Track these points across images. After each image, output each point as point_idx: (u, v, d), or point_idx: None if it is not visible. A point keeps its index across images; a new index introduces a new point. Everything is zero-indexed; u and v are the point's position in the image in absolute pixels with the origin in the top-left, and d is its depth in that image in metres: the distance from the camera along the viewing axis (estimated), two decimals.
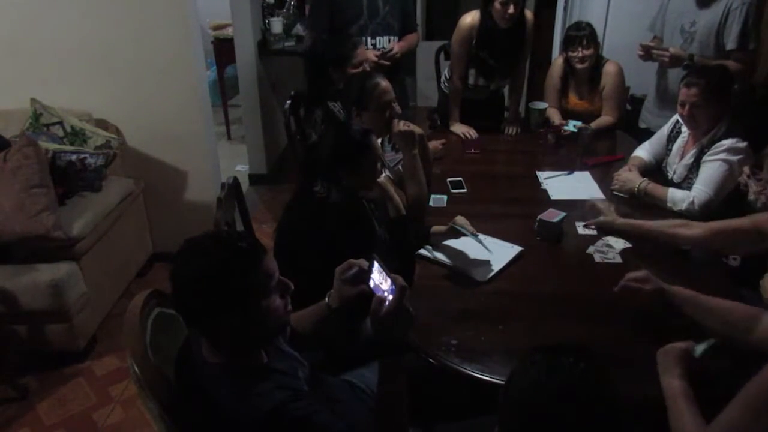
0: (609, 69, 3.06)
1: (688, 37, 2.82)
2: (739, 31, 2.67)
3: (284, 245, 1.95)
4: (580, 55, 2.99)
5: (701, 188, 2.27)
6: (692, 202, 2.26)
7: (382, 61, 3.01)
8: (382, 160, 1.98)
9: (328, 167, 1.91)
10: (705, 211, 2.25)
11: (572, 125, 2.97)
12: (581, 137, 2.89)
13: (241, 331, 1.23)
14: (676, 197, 2.30)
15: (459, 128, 3.13)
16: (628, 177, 2.45)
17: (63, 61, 2.90)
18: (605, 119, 3.08)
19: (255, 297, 1.22)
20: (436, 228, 2.05)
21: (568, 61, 3.08)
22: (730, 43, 2.70)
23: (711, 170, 2.28)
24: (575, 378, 0.99)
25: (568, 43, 3.05)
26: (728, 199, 2.25)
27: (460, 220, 1.99)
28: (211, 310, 1.20)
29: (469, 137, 3.07)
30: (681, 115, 2.38)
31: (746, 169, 2.07)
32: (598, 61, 3.06)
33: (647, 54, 2.85)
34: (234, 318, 1.21)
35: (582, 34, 2.99)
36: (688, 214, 2.25)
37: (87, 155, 2.72)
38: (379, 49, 3.08)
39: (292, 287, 1.29)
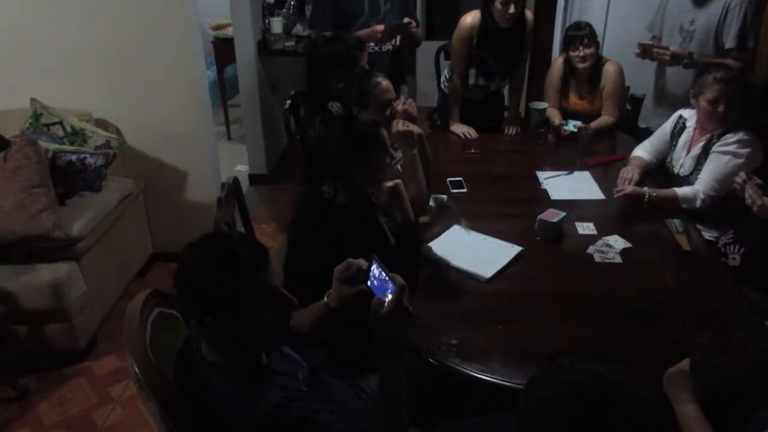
0: (609, 69, 3.05)
1: (687, 36, 2.81)
2: (738, 29, 2.67)
3: (294, 247, 1.94)
4: (582, 54, 2.99)
5: (707, 180, 2.30)
6: (702, 198, 2.29)
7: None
8: (392, 155, 1.93)
9: (336, 162, 1.85)
10: (712, 203, 2.29)
11: (572, 125, 2.97)
12: (581, 137, 2.88)
13: (242, 333, 1.23)
14: (688, 195, 2.32)
15: (459, 128, 3.13)
16: (635, 192, 2.36)
17: (63, 61, 2.90)
18: (605, 119, 3.08)
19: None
20: (422, 219, 2.02)
21: (568, 61, 3.08)
22: (729, 42, 2.70)
23: (719, 163, 2.30)
24: (595, 383, 1.02)
25: (568, 42, 3.04)
26: (733, 193, 2.27)
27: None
28: (213, 311, 1.20)
29: (469, 137, 3.07)
30: (709, 113, 2.33)
31: (742, 174, 2.08)
32: (598, 61, 3.05)
33: (645, 52, 2.85)
34: (235, 320, 1.21)
35: (582, 34, 2.99)
36: (701, 208, 2.30)
37: (87, 155, 2.72)
38: (380, 49, 3.08)
39: (296, 302, 1.29)
